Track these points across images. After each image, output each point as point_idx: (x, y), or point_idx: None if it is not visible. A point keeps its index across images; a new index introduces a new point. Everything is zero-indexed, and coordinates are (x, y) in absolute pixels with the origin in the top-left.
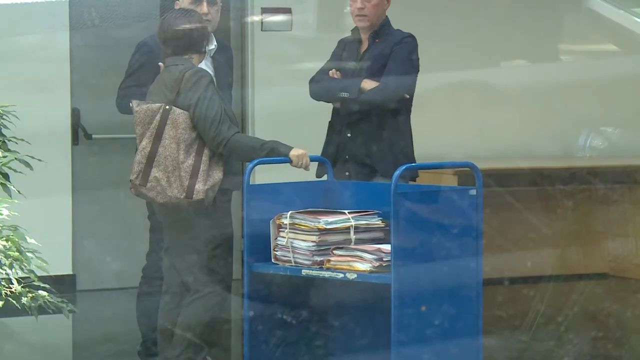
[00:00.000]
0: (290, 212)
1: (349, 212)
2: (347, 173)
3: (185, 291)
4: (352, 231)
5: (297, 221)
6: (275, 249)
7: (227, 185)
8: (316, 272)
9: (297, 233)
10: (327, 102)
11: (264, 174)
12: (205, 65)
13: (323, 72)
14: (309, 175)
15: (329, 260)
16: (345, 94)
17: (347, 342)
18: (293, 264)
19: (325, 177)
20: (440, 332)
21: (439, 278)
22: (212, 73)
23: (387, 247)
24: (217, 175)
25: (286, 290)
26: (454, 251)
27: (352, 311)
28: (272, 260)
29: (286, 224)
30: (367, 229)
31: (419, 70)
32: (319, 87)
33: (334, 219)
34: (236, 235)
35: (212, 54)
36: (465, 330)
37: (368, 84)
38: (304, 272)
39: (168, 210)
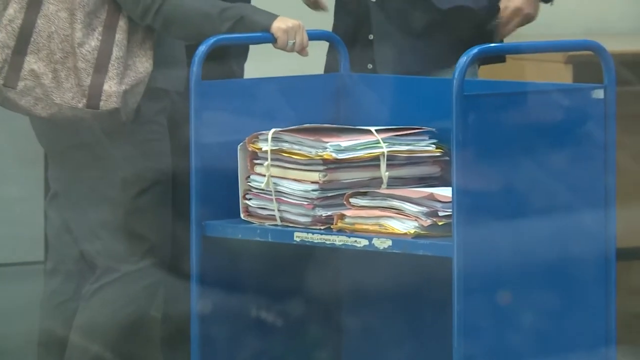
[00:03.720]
0: (273, 129)
1: (377, 131)
2: (370, 66)
3: (88, 271)
4: (383, 164)
5: (286, 146)
6: (247, 196)
7: (161, 83)
8: (319, 236)
9: (286, 168)
10: None
11: None
12: None
13: None
14: (309, 64)
15: (342, 216)
16: None
17: (371, 351)
18: (279, 222)
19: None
20: (537, 338)
21: (535, 247)
22: None
23: (445, 193)
24: (143, 66)
25: (267, 267)
26: (563, 199)
27: (381, 302)
28: (242, 216)
29: (266, 152)
30: (411, 161)
31: None
32: None
33: (352, 143)
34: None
35: None
36: (583, 334)
37: None
38: (298, 236)
39: (56, 130)
